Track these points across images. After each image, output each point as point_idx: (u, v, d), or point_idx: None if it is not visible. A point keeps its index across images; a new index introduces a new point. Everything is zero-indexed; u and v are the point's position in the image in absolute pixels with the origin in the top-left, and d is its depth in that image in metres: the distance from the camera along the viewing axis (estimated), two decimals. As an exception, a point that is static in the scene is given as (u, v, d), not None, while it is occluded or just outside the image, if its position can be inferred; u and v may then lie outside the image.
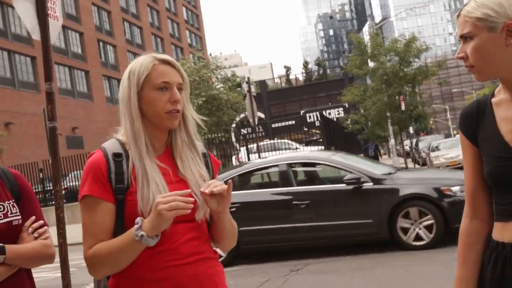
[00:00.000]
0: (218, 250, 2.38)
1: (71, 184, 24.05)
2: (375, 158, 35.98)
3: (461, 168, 28.27)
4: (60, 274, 4.87)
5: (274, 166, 10.67)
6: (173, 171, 2.20)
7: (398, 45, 30.01)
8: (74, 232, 17.10)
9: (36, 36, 4.95)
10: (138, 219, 2.02)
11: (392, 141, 39.56)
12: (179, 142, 2.26)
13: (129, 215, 2.10)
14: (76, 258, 12.40)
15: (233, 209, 8.94)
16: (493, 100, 2.04)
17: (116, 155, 2.17)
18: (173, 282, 2.11)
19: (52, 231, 4.75)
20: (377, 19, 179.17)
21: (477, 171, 2.05)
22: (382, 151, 40.90)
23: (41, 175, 24.99)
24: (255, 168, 11.04)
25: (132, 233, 2.00)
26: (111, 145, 2.22)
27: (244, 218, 9.24)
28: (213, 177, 2.32)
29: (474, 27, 1.92)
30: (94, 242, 2.09)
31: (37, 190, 24.94)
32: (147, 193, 2.09)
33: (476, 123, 2.05)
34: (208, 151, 2.39)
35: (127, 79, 2.21)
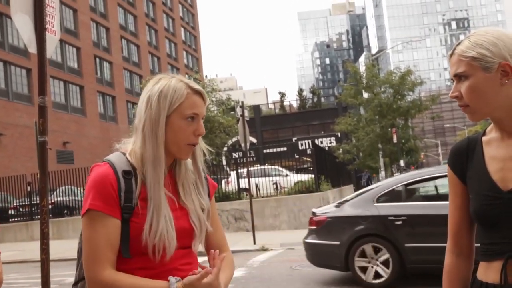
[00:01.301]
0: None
1: (58, 199, 23.86)
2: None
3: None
4: (40, 291, 4.81)
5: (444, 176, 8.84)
6: (175, 198, 2.17)
7: (393, 78, 30.23)
8: (59, 248, 16.96)
9: (32, 49, 4.93)
10: (173, 281, 2.02)
11: (382, 173, 39.65)
12: (183, 169, 2.23)
13: (133, 237, 2.06)
14: (58, 275, 12.28)
15: (399, 223, 8.64)
16: (484, 138, 2.04)
17: (126, 173, 2.10)
18: None
19: (38, 246, 4.68)
20: (374, 50, 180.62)
21: (464, 209, 2.05)
22: (371, 182, 40.97)
23: (28, 188, 24.78)
24: (423, 177, 9.58)
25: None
26: (118, 161, 2.13)
27: (412, 234, 8.64)
28: (209, 200, 2.30)
29: (469, 67, 1.91)
30: (105, 262, 2.02)
31: (23, 203, 24.74)
32: (155, 225, 2.05)
33: (465, 160, 2.04)
34: (206, 175, 2.35)
35: (157, 101, 2.12)
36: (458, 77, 1.96)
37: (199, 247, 2.28)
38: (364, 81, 30.70)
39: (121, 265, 2.07)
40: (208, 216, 2.24)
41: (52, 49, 5.20)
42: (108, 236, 2.03)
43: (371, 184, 40.95)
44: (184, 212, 2.17)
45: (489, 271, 1.95)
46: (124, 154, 2.18)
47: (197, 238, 2.18)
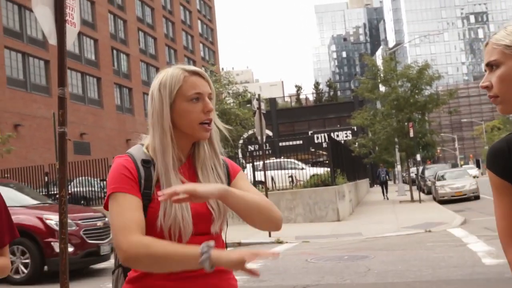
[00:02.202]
0: None
1: (75, 189, 24.04)
2: (385, 183, 36.03)
3: (464, 199, 28.01)
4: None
5: None
6: (193, 182, 2.19)
7: (411, 72, 30.02)
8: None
9: (52, 41, 4.98)
10: (205, 246, 1.92)
11: (398, 167, 39.49)
12: (201, 153, 2.26)
13: (150, 222, 2.10)
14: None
15: None
16: None
17: (145, 162, 2.18)
18: None
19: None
20: (391, 44, 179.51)
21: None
22: (388, 177, 40.91)
23: (46, 179, 24.98)
24: None
25: (198, 253, 1.92)
26: (138, 152, 2.22)
27: None
28: (230, 182, 2.30)
29: (501, 55, 1.87)
30: (132, 231, 2.01)
31: (41, 193, 24.95)
32: (169, 210, 2.09)
33: (507, 160, 1.94)
34: (227, 160, 2.38)
35: (158, 92, 2.21)
36: (490, 67, 1.91)
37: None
38: (381, 75, 30.54)
39: None
40: (242, 185, 2.27)
41: (72, 41, 5.25)
42: (133, 211, 2.06)
43: (389, 178, 40.87)
44: None
45: None
46: (143, 145, 2.26)
47: (215, 222, 2.19)
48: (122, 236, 2.01)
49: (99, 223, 11.95)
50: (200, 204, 2.16)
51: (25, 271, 10.90)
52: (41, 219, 11.19)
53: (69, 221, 8.88)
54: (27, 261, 10.91)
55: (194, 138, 2.23)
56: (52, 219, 10.97)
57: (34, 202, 12.73)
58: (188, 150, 2.27)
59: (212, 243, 1.94)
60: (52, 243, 10.82)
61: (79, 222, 11.51)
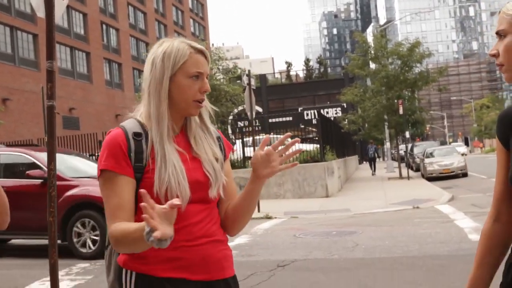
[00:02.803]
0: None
1: (64, 164, 24.01)
2: (373, 159, 36.19)
3: (452, 176, 28.23)
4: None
5: None
6: (188, 152, 2.26)
7: (401, 49, 30.01)
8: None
9: (41, 13, 4.94)
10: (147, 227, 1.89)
11: (387, 145, 39.64)
12: (193, 125, 2.32)
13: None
14: (65, 238, 12.38)
15: None
16: None
17: (136, 134, 2.21)
18: (181, 263, 2.16)
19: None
20: (382, 21, 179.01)
21: (505, 175, 2.04)
22: (377, 154, 41.02)
23: (35, 153, 24.92)
24: None
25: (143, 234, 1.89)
26: (130, 124, 2.26)
27: None
28: (225, 159, 2.38)
29: (509, 25, 1.89)
30: (115, 220, 2.12)
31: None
32: (164, 174, 2.14)
33: (509, 127, 2.00)
34: (221, 135, 2.46)
35: (161, 61, 2.23)
36: (499, 35, 1.93)
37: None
38: (372, 52, 30.49)
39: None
40: (222, 167, 2.32)
41: (60, 14, 5.21)
42: (119, 195, 2.14)
43: (378, 155, 40.89)
44: (197, 163, 2.25)
45: None
46: (135, 118, 2.29)
47: (212, 186, 2.24)
48: (108, 224, 2.15)
49: None
50: (196, 170, 2.22)
51: (93, 247, 10.31)
52: None
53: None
54: (96, 238, 10.28)
55: (186, 113, 2.28)
56: None
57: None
58: (181, 123, 2.32)
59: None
60: None
61: None
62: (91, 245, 10.32)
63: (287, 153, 2.26)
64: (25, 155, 11.18)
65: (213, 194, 2.25)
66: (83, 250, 10.34)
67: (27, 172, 10.60)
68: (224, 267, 2.27)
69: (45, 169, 9.29)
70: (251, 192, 2.29)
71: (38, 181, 10.34)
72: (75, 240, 10.37)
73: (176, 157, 2.19)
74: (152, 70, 2.25)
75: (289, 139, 2.27)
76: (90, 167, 11.71)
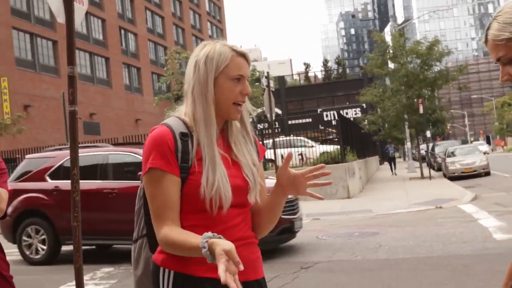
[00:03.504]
0: None
1: (86, 169, 24.12)
2: (393, 159, 36.01)
3: (474, 175, 28.04)
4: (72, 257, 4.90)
5: None
6: (229, 156, 2.29)
7: (420, 48, 29.82)
8: (87, 217, 17.13)
9: (61, 19, 4.97)
10: (206, 235, 2.00)
11: (408, 144, 39.39)
12: (234, 128, 2.35)
13: (187, 193, 2.19)
14: (88, 243, 12.46)
15: None
16: None
17: (183, 135, 2.23)
18: None
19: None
20: (400, 20, 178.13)
21: None
22: (397, 154, 40.80)
23: (56, 159, 25.09)
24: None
25: (200, 246, 1.99)
26: (175, 124, 2.27)
27: None
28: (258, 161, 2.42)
29: (508, 48, 1.84)
30: (164, 220, 2.16)
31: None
32: (212, 178, 2.16)
33: None
34: (255, 138, 2.47)
35: (204, 64, 2.25)
36: (500, 62, 1.89)
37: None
38: (390, 51, 30.33)
39: (182, 223, 2.20)
40: (258, 172, 2.36)
41: (80, 19, 5.24)
42: (167, 194, 2.18)
43: (397, 155, 40.59)
44: (237, 168, 2.28)
45: None
46: (179, 117, 2.31)
47: (251, 191, 2.28)
48: (156, 226, 2.19)
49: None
50: (237, 175, 2.26)
51: None
52: None
53: None
54: None
55: (226, 116, 2.30)
56: None
57: None
58: (221, 126, 2.34)
59: (208, 235, 2.00)
60: None
61: None
62: None
63: (315, 181, 2.27)
64: (134, 154, 10.46)
65: (251, 199, 2.29)
66: None
67: (139, 173, 10.07)
68: (257, 268, 2.32)
69: None
70: (275, 205, 2.34)
71: None
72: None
73: (221, 163, 2.22)
74: (195, 73, 2.27)
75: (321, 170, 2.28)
76: None
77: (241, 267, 1.91)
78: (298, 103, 57.87)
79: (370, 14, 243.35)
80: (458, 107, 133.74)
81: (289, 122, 27.64)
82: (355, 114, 45.80)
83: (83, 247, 10.32)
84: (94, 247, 12.00)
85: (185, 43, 73.07)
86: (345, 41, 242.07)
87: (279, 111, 44.43)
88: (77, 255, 4.77)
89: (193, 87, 2.27)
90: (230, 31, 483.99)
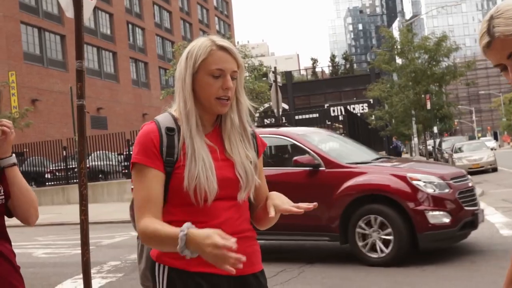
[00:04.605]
0: None
1: (93, 163, 24.24)
2: (400, 155, 36.03)
3: (481, 171, 27.91)
4: (79, 251, 4.94)
5: None
6: (220, 151, 2.28)
7: (428, 43, 29.74)
8: (95, 211, 17.29)
9: (69, 14, 4.98)
10: (184, 228, 2.01)
11: (415, 140, 39.32)
12: (228, 123, 2.33)
13: (173, 186, 2.20)
14: (94, 237, 12.55)
15: None
16: None
17: (169, 129, 2.25)
18: None
19: (75, 209, 4.72)
20: (408, 15, 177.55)
21: None
22: (404, 150, 40.74)
23: (64, 153, 25.22)
24: None
25: (177, 238, 2.01)
26: (164, 119, 2.29)
27: None
28: (257, 158, 2.40)
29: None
30: (144, 212, 2.18)
31: (59, 167, 25.19)
32: (193, 170, 2.17)
33: None
34: (256, 133, 2.46)
35: (185, 60, 2.27)
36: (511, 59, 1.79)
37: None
38: (398, 47, 30.28)
39: (168, 218, 2.20)
40: (256, 170, 2.34)
41: (88, 14, 5.25)
42: (149, 187, 2.19)
43: (401, 150, 40.48)
44: (229, 163, 2.27)
45: None
46: (170, 113, 2.33)
47: (242, 189, 2.26)
48: (137, 218, 2.19)
49: (470, 183, 8.83)
50: (227, 169, 2.25)
51: (385, 250, 8.05)
52: (403, 178, 8.14)
53: (438, 181, 8.15)
54: (388, 237, 8.03)
55: (211, 111, 2.29)
56: (420, 179, 8.13)
57: (374, 156, 9.86)
58: (214, 121, 2.34)
59: (186, 227, 2.00)
60: (426, 212, 7.90)
61: (451, 182, 8.33)
62: (382, 247, 8.11)
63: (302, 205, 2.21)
64: (286, 137, 9.25)
65: (241, 198, 2.28)
66: (373, 256, 8.19)
67: (294, 158, 8.69)
68: (253, 262, 2.31)
69: (314, 154, 8.61)
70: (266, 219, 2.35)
71: (305, 169, 8.60)
72: (360, 243, 8.27)
73: (206, 152, 2.22)
74: (179, 69, 2.30)
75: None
76: (360, 152, 9.89)
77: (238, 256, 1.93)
78: (305, 98, 57.75)
79: (378, 10, 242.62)
80: (465, 103, 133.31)
81: (296, 117, 27.57)
82: (362, 109, 45.74)
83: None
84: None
85: (193, 38, 72.87)
86: (352, 36, 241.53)
87: (286, 106, 44.40)
88: (84, 248, 4.79)
89: (176, 83, 2.31)
90: (238, 26, 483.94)
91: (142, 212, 2.17)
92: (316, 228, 8.44)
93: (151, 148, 2.20)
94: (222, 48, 2.25)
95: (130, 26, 59.87)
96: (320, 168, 8.53)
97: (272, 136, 9.19)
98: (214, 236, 1.93)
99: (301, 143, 8.97)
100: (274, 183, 8.48)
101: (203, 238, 1.95)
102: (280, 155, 9.85)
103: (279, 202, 2.24)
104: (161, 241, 2.09)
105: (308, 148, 8.81)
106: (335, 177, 8.33)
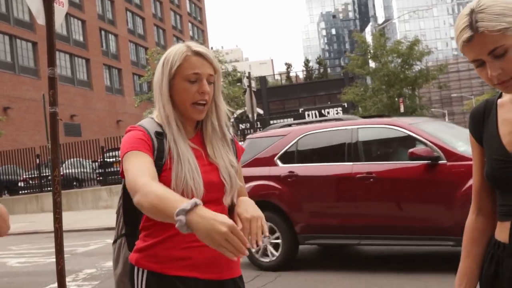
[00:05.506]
0: None
1: (67, 171, 24.02)
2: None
3: None
4: (54, 260, 4.90)
5: None
6: (204, 155, 2.29)
7: (401, 47, 30.05)
8: (69, 219, 17.13)
9: (41, 20, 4.95)
10: (193, 201, 1.83)
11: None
12: (209, 128, 2.34)
13: None
14: (69, 245, 12.44)
15: None
16: (499, 100, 2.00)
17: (158, 134, 2.25)
18: (192, 262, 2.20)
19: (49, 217, 4.69)
20: (380, 20, 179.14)
21: (482, 171, 2.05)
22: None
23: (37, 161, 24.95)
24: None
25: (175, 210, 1.83)
26: (150, 124, 2.29)
27: None
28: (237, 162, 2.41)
29: (503, 38, 1.77)
30: (143, 175, 2.02)
31: (33, 175, 24.92)
32: (181, 173, 2.17)
33: (481, 123, 2.02)
34: (235, 139, 2.48)
35: (162, 66, 2.29)
36: (492, 56, 1.80)
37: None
38: (371, 51, 30.55)
39: (152, 220, 2.17)
40: (237, 174, 2.35)
41: (60, 20, 5.23)
42: (144, 162, 2.10)
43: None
44: (214, 168, 2.28)
45: (501, 231, 1.98)
46: (153, 118, 2.33)
47: (227, 193, 2.28)
48: (133, 186, 2.02)
49: None
50: (212, 173, 2.26)
51: None
52: None
53: None
54: None
55: (188, 116, 2.30)
56: None
57: None
58: (194, 126, 2.36)
59: (193, 202, 1.83)
60: None
61: None
62: None
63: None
64: (395, 127, 7.98)
65: (227, 201, 2.29)
66: None
67: (410, 150, 7.48)
68: (232, 267, 2.31)
69: (432, 145, 7.37)
70: None
71: (421, 163, 7.35)
72: None
73: (191, 155, 2.23)
74: (156, 76, 2.32)
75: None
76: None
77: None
78: (280, 102, 57.93)
79: (351, 14, 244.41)
80: (438, 106, 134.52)
81: (271, 122, 27.63)
82: (337, 113, 45.75)
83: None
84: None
85: (166, 44, 72.87)
86: (326, 41, 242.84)
87: (261, 111, 44.47)
88: (59, 256, 4.76)
89: (154, 89, 2.32)
90: (212, 32, 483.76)
91: (141, 175, 2.03)
92: (437, 231, 7.28)
93: (144, 144, 2.17)
94: (198, 53, 2.27)
95: (103, 32, 59.51)
96: (440, 162, 7.28)
97: (379, 126, 8.33)
98: (227, 220, 1.81)
99: (415, 133, 7.74)
100: (386, 180, 7.64)
101: (215, 214, 1.82)
102: (388, 148, 8.74)
103: (242, 210, 2.21)
104: (164, 199, 1.90)
105: (424, 138, 7.59)
106: (459, 172, 7.02)
